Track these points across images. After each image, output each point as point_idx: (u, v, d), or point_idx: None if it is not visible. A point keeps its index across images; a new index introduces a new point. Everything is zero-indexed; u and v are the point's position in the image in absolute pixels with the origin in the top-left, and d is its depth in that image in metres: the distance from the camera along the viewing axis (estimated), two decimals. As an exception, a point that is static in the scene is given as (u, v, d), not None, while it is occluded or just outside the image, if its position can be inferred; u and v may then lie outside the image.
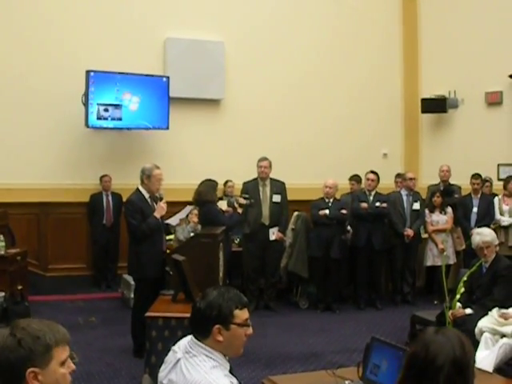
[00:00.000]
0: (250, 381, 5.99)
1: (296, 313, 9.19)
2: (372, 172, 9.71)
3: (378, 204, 9.49)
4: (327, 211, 9.16)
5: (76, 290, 10.08)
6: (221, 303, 2.86)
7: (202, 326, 2.86)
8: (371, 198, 9.59)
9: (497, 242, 6.51)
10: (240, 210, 8.30)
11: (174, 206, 8.94)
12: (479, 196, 9.89)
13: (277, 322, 8.60)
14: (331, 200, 9.30)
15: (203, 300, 2.90)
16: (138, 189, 6.97)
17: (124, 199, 9.10)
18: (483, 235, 6.45)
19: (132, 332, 6.92)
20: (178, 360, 2.85)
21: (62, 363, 2.24)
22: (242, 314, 2.90)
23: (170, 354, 2.96)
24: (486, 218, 9.61)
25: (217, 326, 2.83)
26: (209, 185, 7.88)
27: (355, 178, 10.39)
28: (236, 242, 9.55)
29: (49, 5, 10.39)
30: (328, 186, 9.28)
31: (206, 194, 7.80)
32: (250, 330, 2.93)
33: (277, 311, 9.16)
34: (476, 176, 9.91)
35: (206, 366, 2.77)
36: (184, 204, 9.36)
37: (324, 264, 9.22)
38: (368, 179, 9.66)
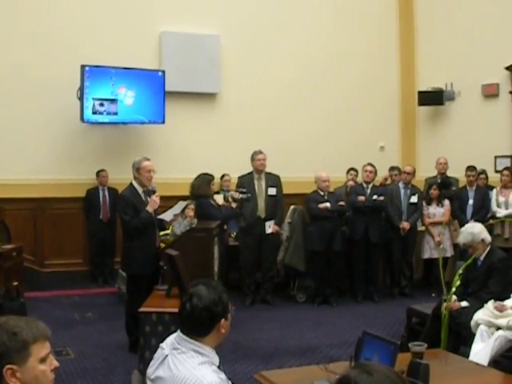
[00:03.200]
0: (247, 375, 5.96)
1: (293, 306, 9.17)
2: (369, 164, 9.72)
3: (375, 197, 9.47)
4: (328, 204, 9.13)
5: (73, 285, 10.07)
6: (220, 296, 2.84)
7: (204, 325, 2.81)
8: (368, 191, 9.57)
9: (479, 239, 6.26)
10: (234, 205, 8.26)
11: (171, 201, 8.86)
12: (474, 188, 9.87)
13: (274, 315, 8.59)
14: (326, 193, 9.28)
15: (199, 300, 2.80)
16: (131, 183, 6.91)
17: (120, 194, 9.09)
18: (462, 236, 6.36)
19: (126, 328, 6.90)
20: (166, 356, 2.83)
21: (42, 360, 2.20)
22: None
23: (158, 350, 2.95)
24: (482, 210, 9.63)
25: (223, 320, 2.83)
26: (203, 178, 7.87)
27: (353, 171, 10.44)
28: (233, 236, 9.53)
29: (43, -1, 10.35)
30: (325, 179, 9.26)
31: (198, 188, 7.81)
32: None
33: (274, 305, 9.14)
34: (471, 168, 9.90)
35: (194, 362, 2.75)
36: (180, 198, 9.31)
37: (325, 257, 9.20)
38: (366, 171, 9.65)
